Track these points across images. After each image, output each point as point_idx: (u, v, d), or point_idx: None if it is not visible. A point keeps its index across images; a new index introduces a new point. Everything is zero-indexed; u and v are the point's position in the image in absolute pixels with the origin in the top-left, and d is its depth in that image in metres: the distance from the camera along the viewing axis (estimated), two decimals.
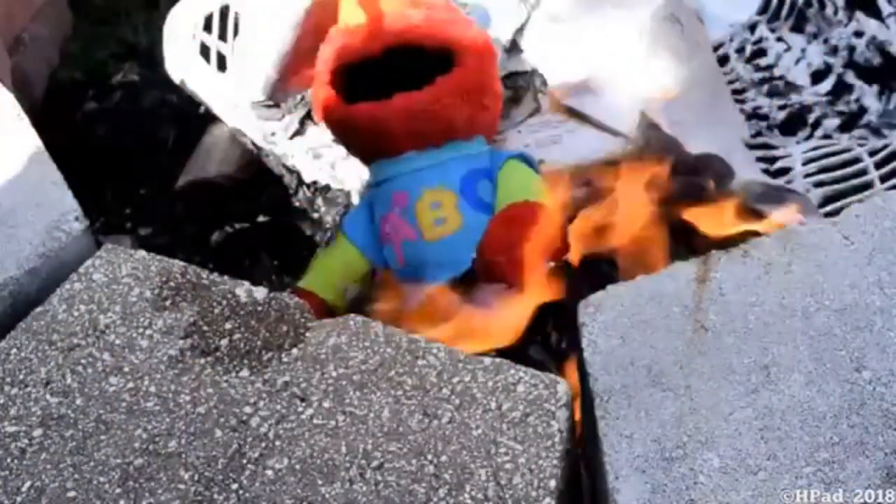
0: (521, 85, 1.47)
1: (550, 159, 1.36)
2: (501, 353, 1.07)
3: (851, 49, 1.57)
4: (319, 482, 0.94)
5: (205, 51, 1.56)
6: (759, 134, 1.46)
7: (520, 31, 1.53)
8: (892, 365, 0.97)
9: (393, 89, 1.27)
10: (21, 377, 1.03)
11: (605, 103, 1.32)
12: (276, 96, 1.48)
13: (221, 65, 1.55)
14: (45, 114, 1.41)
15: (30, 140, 1.24)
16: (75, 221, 1.17)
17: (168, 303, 1.10)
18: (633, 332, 1.04)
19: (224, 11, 1.58)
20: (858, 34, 1.59)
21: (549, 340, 1.24)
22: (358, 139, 1.32)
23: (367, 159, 1.37)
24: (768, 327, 1.02)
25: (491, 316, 1.21)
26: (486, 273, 1.23)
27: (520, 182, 1.29)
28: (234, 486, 0.94)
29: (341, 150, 1.44)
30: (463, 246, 1.26)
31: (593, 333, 1.05)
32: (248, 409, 1.00)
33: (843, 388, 0.97)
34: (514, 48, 1.53)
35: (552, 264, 1.21)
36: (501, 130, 1.45)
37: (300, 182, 1.52)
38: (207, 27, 1.58)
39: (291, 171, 1.52)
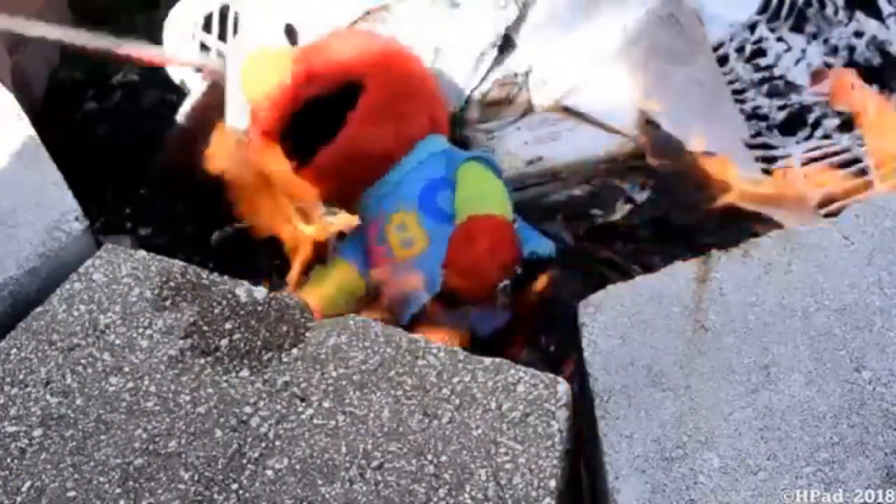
0: (515, 83, 1.47)
1: (549, 156, 1.36)
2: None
3: (851, 49, 1.57)
4: (319, 482, 0.94)
5: (204, 51, 1.56)
6: (758, 134, 1.46)
7: (513, 27, 1.53)
8: (892, 365, 0.97)
9: (322, 138, 1.29)
10: (21, 377, 1.03)
11: (602, 102, 1.32)
12: None
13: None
14: (45, 114, 1.41)
15: (30, 140, 1.24)
16: (75, 221, 1.17)
17: (168, 303, 1.10)
18: (633, 332, 1.04)
19: (224, 11, 1.58)
20: (858, 34, 1.59)
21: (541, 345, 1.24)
22: (324, 194, 1.35)
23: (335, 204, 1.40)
24: (768, 327, 1.02)
25: None
26: (454, 293, 1.23)
27: (476, 188, 1.28)
28: (234, 486, 0.94)
29: None
30: (434, 261, 1.26)
31: (593, 333, 1.05)
32: (248, 409, 1.00)
33: (843, 388, 0.97)
34: (507, 44, 1.53)
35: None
36: (493, 130, 1.45)
37: None
38: (207, 27, 1.58)
39: None
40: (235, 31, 1.56)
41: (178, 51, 1.54)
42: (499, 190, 1.27)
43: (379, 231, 1.30)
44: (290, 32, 1.40)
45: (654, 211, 1.36)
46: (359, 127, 1.28)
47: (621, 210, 1.37)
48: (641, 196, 1.37)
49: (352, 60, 1.31)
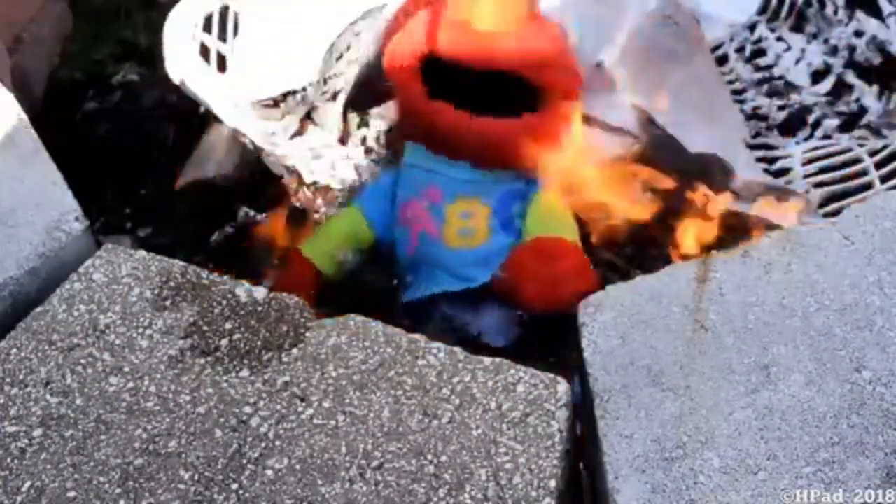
0: None
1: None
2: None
3: (852, 49, 1.58)
4: (319, 482, 0.94)
5: (205, 51, 1.55)
6: (758, 134, 1.46)
7: None
8: (892, 365, 0.97)
9: (471, 97, 1.26)
10: (21, 377, 1.03)
11: (604, 103, 1.32)
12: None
13: (221, 65, 1.54)
14: (45, 114, 1.41)
15: (30, 140, 1.24)
16: (75, 221, 1.17)
17: (168, 303, 1.10)
18: (633, 332, 1.04)
19: (224, 12, 1.58)
20: (859, 34, 1.60)
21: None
22: (423, 131, 1.31)
23: (412, 139, 1.36)
24: (768, 327, 1.02)
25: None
26: (506, 295, 1.24)
27: (552, 214, 1.28)
28: (234, 485, 0.94)
29: (341, 151, 1.44)
30: (481, 262, 1.27)
31: (593, 333, 1.05)
32: (248, 409, 1.00)
33: (843, 388, 0.97)
34: None
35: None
36: None
37: (300, 182, 1.52)
38: (207, 28, 1.57)
39: (291, 170, 1.52)
40: (235, 32, 1.56)
41: (178, 51, 1.54)
42: (571, 221, 1.29)
43: (434, 203, 1.29)
44: None
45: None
46: (525, 132, 1.26)
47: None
48: (644, 197, 1.37)
49: (551, 72, 1.26)
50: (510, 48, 1.22)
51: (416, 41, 1.28)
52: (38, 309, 1.09)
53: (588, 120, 1.32)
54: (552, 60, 1.24)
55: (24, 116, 1.26)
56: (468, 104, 1.25)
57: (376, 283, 1.36)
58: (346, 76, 1.44)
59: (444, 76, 1.25)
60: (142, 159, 1.56)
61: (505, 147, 1.25)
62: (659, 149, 1.36)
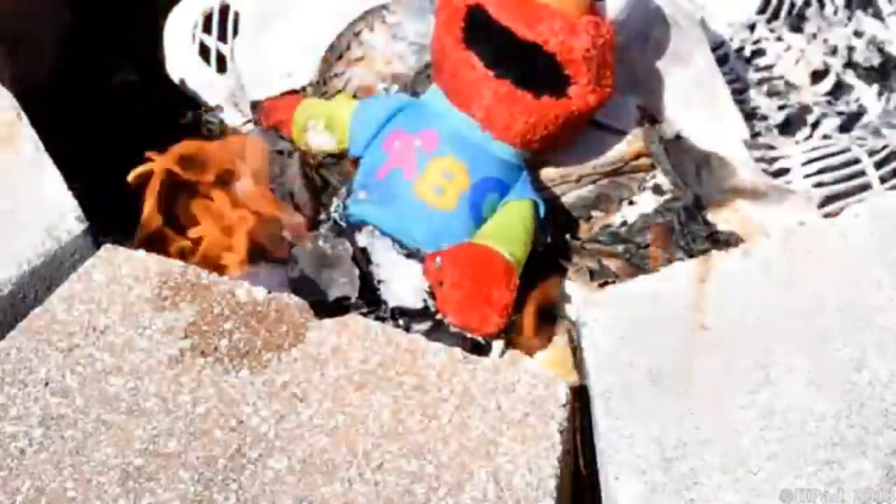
0: None
1: (557, 161, 1.36)
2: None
3: (851, 49, 1.57)
4: (319, 482, 0.95)
5: (204, 51, 1.56)
6: (758, 134, 1.46)
7: None
8: (892, 365, 0.98)
9: (503, 59, 1.25)
10: (21, 377, 1.03)
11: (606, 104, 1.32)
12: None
13: (221, 65, 1.55)
14: (45, 113, 1.40)
15: (29, 140, 1.24)
16: (75, 221, 1.17)
17: (167, 303, 1.10)
18: (634, 333, 1.04)
19: (224, 11, 1.59)
20: (858, 34, 1.59)
21: None
22: (447, 75, 1.30)
23: (437, 82, 1.35)
24: (768, 327, 1.02)
25: None
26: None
27: (508, 223, 1.29)
28: (234, 486, 0.95)
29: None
30: (433, 227, 1.26)
31: (594, 333, 1.05)
32: (247, 409, 1.00)
33: (843, 388, 0.97)
34: None
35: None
36: None
37: None
38: (207, 28, 1.58)
39: None
40: (235, 32, 1.56)
41: (178, 51, 1.54)
42: (526, 236, 1.28)
43: (429, 150, 1.29)
44: None
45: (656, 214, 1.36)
46: (548, 115, 1.25)
47: (624, 211, 1.37)
48: (643, 196, 1.37)
49: (592, 66, 1.25)
50: (556, 27, 1.22)
51: None
52: (38, 309, 1.09)
53: (590, 121, 1.32)
54: (591, 55, 1.24)
55: (24, 116, 1.26)
56: (498, 65, 1.25)
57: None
58: (345, 76, 1.44)
59: (485, 30, 1.25)
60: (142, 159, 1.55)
61: (513, 119, 1.25)
62: (661, 148, 1.36)
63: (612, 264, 1.31)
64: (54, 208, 1.18)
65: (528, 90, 1.24)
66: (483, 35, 1.25)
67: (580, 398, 1.05)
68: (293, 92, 1.47)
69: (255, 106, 1.47)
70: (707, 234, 1.30)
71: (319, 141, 1.36)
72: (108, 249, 1.15)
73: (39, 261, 1.14)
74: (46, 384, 1.03)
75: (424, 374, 1.03)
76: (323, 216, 1.34)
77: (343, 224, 1.30)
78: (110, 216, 1.26)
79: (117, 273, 1.12)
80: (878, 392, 0.96)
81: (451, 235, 1.26)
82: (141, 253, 1.15)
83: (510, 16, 1.23)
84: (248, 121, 1.48)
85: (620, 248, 1.32)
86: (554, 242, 1.33)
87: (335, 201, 1.34)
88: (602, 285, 1.24)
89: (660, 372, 1.00)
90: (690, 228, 1.31)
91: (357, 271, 1.26)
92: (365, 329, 1.07)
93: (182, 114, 1.52)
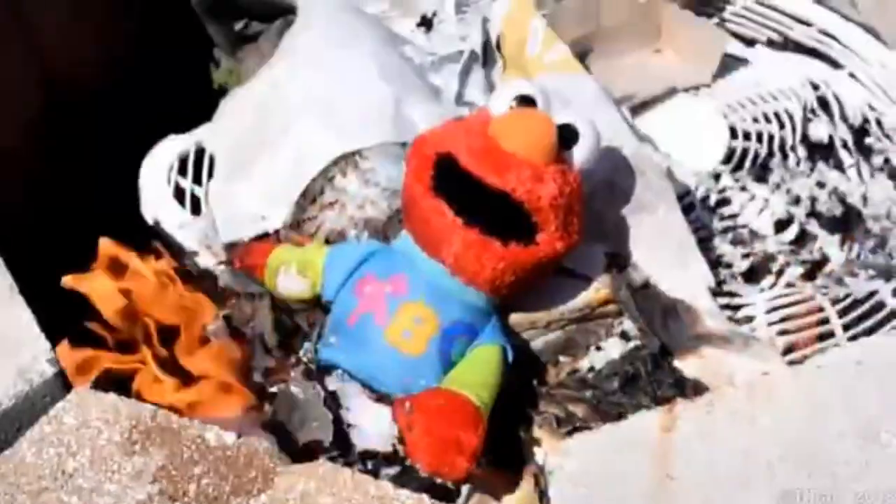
0: None
1: (526, 306, 1.38)
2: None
3: (814, 199, 1.61)
4: None
5: (179, 193, 1.58)
6: (723, 282, 1.48)
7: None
8: None
9: (471, 207, 1.27)
10: None
11: (574, 251, 1.34)
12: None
13: (195, 207, 1.57)
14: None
15: (3, 279, 1.25)
16: (47, 364, 1.18)
17: (137, 447, 1.10)
18: (600, 482, 1.05)
19: (199, 154, 1.61)
20: (820, 185, 1.63)
21: None
22: (417, 221, 1.32)
23: (407, 227, 1.37)
24: (734, 478, 1.03)
25: None
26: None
27: (477, 368, 1.30)
28: None
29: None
30: (402, 371, 1.28)
31: (560, 483, 1.06)
32: None
33: None
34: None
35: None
36: None
37: None
38: (182, 170, 1.60)
39: None
40: (210, 175, 1.59)
41: (153, 193, 1.57)
42: (494, 382, 1.29)
43: (396, 293, 1.30)
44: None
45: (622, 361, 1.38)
46: (515, 265, 1.27)
47: (591, 357, 1.38)
48: (610, 342, 1.39)
49: (557, 223, 1.28)
50: (524, 176, 1.25)
51: (441, 137, 1.32)
52: (7, 452, 1.09)
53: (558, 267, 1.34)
54: (559, 203, 1.26)
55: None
56: (466, 212, 1.27)
57: None
58: (318, 220, 1.46)
59: (454, 178, 1.28)
60: None
61: (482, 265, 1.27)
62: (628, 295, 1.38)
63: (580, 410, 1.32)
64: (26, 350, 1.19)
65: (497, 237, 1.26)
66: (452, 183, 1.27)
67: None
68: (266, 235, 1.49)
69: (228, 248, 1.49)
70: (673, 381, 1.32)
71: (292, 286, 1.37)
72: (78, 393, 1.16)
73: (10, 403, 1.14)
74: None
75: None
76: (293, 359, 1.35)
77: (313, 368, 1.31)
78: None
79: (87, 416, 1.13)
80: None
81: (420, 380, 1.28)
82: (111, 396, 1.16)
83: (479, 165, 1.26)
84: (221, 262, 1.49)
85: (588, 393, 1.33)
86: (521, 387, 1.35)
87: (306, 345, 1.35)
88: (569, 433, 1.25)
89: None
90: (656, 376, 1.33)
91: (330, 415, 1.27)
92: (334, 475, 1.08)
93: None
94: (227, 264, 1.48)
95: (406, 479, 1.21)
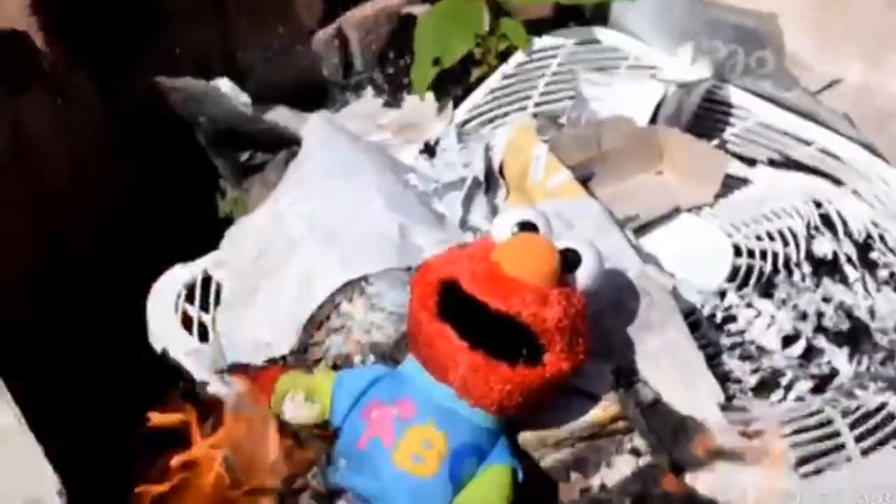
0: None
1: (534, 425, 1.37)
2: None
3: (820, 314, 1.61)
4: None
5: (187, 321, 1.59)
6: (733, 397, 1.48)
7: None
8: None
9: (476, 331, 1.27)
10: None
11: (582, 371, 1.34)
12: None
13: (203, 335, 1.58)
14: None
15: (10, 412, 1.25)
16: (56, 496, 1.17)
17: None
18: None
19: (206, 282, 1.63)
20: (826, 300, 1.64)
21: None
22: (422, 346, 1.32)
23: (412, 352, 1.37)
24: None
25: None
26: None
27: (486, 489, 1.30)
28: None
29: None
30: (413, 493, 1.27)
31: None
32: None
33: None
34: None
35: None
36: None
37: None
38: (190, 298, 1.62)
39: None
40: (217, 302, 1.60)
41: (161, 321, 1.58)
42: (504, 502, 1.29)
43: (403, 417, 1.30)
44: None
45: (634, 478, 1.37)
46: (522, 386, 1.27)
47: (602, 474, 1.38)
48: (621, 459, 1.38)
49: (560, 347, 1.28)
50: (528, 299, 1.26)
51: (445, 264, 1.33)
52: None
53: (564, 386, 1.34)
54: (564, 325, 1.27)
55: (5, 389, 1.27)
56: (472, 336, 1.27)
57: None
58: (325, 345, 1.47)
59: (458, 303, 1.28)
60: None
61: (489, 388, 1.27)
62: (637, 412, 1.38)
63: None
64: (35, 483, 1.18)
65: (503, 360, 1.27)
66: (457, 308, 1.28)
67: None
68: (273, 361, 1.49)
69: (233, 368, 1.49)
70: (685, 499, 1.31)
71: (300, 413, 1.37)
72: None
73: None
74: None
75: None
76: (300, 483, 1.35)
77: (323, 491, 1.31)
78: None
79: None
80: None
81: (431, 502, 1.27)
82: None
83: (483, 290, 1.27)
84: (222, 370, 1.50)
85: None
86: None
87: (315, 469, 1.35)
88: None
89: None
90: (668, 495, 1.32)
91: None
92: None
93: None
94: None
95: None
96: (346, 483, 1.31)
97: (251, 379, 1.46)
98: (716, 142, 1.93)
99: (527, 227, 1.35)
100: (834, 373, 1.54)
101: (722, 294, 1.64)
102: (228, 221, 1.82)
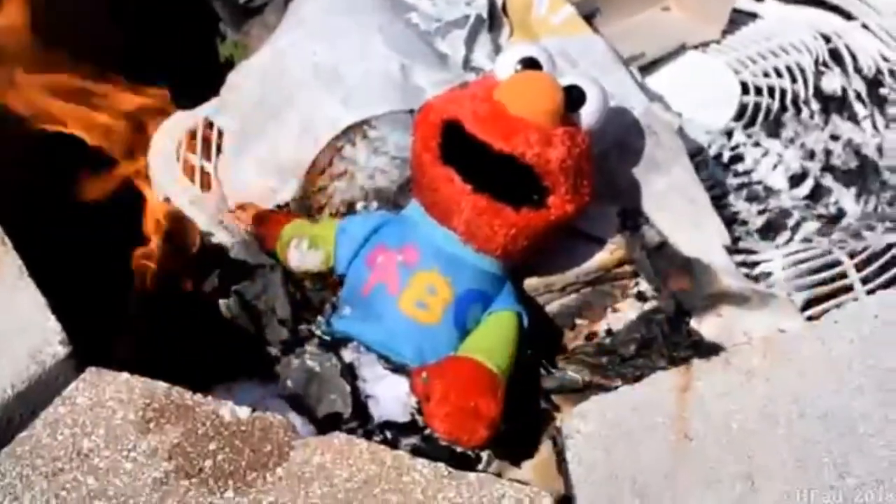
0: None
1: (540, 270, 1.37)
2: None
3: (828, 152, 1.59)
4: None
5: (189, 169, 1.57)
6: (739, 239, 1.47)
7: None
8: (876, 469, 0.98)
9: (480, 174, 1.25)
10: (5, 503, 1.03)
11: (587, 213, 1.33)
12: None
13: (205, 182, 1.56)
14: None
15: (13, 264, 1.25)
16: (59, 345, 1.17)
17: (152, 424, 1.10)
18: (617, 444, 1.04)
19: (207, 130, 1.61)
20: (835, 137, 1.62)
21: None
22: (426, 190, 1.31)
23: (416, 196, 1.36)
24: (751, 435, 1.02)
25: None
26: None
27: (492, 334, 1.29)
28: None
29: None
30: (418, 342, 1.27)
31: (577, 446, 1.05)
32: None
33: (829, 495, 0.97)
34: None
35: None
36: None
37: None
38: (191, 146, 1.60)
39: None
40: (219, 150, 1.58)
41: (163, 170, 1.56)
42: (510, 349, 1.28)
43: (408, 263, 1.30)
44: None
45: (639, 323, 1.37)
46: (528, 229, 1.26)
47: (608, 319, 1.38)
48: (627, 304, 1.38)
49: (568, 185, 1.26)
50: (532, 139, 1.23)
51: (447, 104, 1.30)
52: (23, 434, 1.09)
53: (570, 229, 1.33)
54: (568, 165, 1.25)
55: (8, 241, 1.27)
56: (476, 179, 1.26)
57: None
58: (328, 191, 1.45)
59: (461, 145, 1.26)
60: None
61: (494, 231, 1.26)
62: (643, 255, 1.37)
63: (597, 374, 1.31)
64: (38, 332, 1.18)
65: (507, 202, 1.25)
66: (460, 150, 1.26)
67: None
68: (277, 208, 1.48)
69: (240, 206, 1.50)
70: (689, 343, 1.31)
71: (305, 260, 1.36)
72: (91, 372, 1.15)
73: (24, 385, 1.14)
74: None
75: (410, 490, 1.03)
76: (307, 332, 1.35)
77: (328, 340, 1.31)
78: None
79: (101, 396, 1.13)
80: (863, 498, 0.96)
81: (437, 349, 1.27)
82: (125, 375, 1.15)
83: (486, 130, 1.25)
84: (231, 211, 1.50)
85: (604, 358, 1.32)
86: (539, 352, 1.34)
87: (320, 318, 1.35)
88: (586, 396, 1.25)
89: (644, 483, 1.00)
90: (673, 338, 1.32)
91: (348, 388, 1.27)
92: (349, 446, 1.07)
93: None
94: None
95: (426, 447, 1.20)
96: (351, 331, 1.31)
97: (258, 219, 1.46)
98: None
99: (530, 64, 1.32)
100: (841, 213, 1.53)
101: (729, 133, 1.63)
102: (229, 66, 1.79)
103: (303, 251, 1.36)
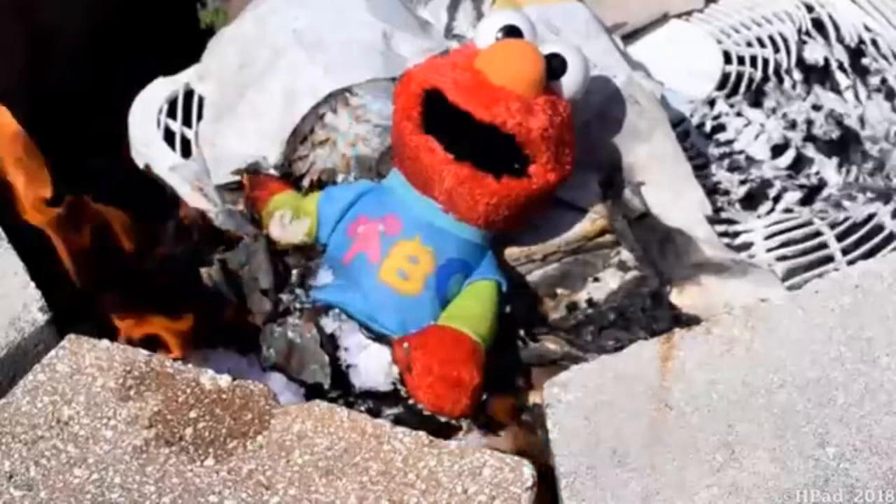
0: None
1: (521, 240, 1.37)
2: None
3: (810, 123, 1.60)
4: None
5: (169, 136, 1.57)
6: (720, 209, 1.47)
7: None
8: (856, 440, 0.98)
9: (461, 143, 1.26)
10: None
11: (569, 182, 1.33)
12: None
13: (186, 149, 1.56)
14: None
15: None
16: (38, 312, 1.17)
17: (132, 392, 1.09)
18: (598, 413, 1.04)
19: (188, 96, 1.60)
20: (817, 108, 1.62)
21: None
22: (407, 160, 1.31)
23: (397, 165, 1.35)
24: (732, 404, 1.03)
25: None
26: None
27: (473, 303, 1.30)
28: None
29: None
30: (399, 310, 1.28)
31: (558, 414, 1.05)
32: (213, 499, 1.00)
33: (808, 464, 0.97)
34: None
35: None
36: None
37: None
38: (172, 113, 1.59)
39: None
40: (200, 116, 1.57)
41: (143, 136, 1.55)
42: (490, 318, 1.29)
43: (394, 234, 1.30)
44: None
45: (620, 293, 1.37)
46: (509, 199, 1.27)
47: (589, 288, 1.38)
48: (608, 273, 1.38)
49: (549, 154, 1.26)
50: (513, 108, 1.23)
51: (428, 73, 1.29)
52: (2, 401, 1.09)
53: (551, 199, 1.33)
54: (549, 134, 1.24)
55: None
56: (457, 148, 1.25)
57: None
58: (309, 159, 1.45)
59: (442, 114, 1.26)
60: None
61: (475, 201, 1.26)
62: (625, 225, 1.37)
63: (576, 347, 1.31)
64: (17, 299, 1.18)
65: (489, 172, 1.25)
66: (441, 119, 1.26)
67: (546, 477, 1.05)
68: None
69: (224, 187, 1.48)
70: (670, 316, 1.32)
71: (286, 232, 1.36)
72: (71, 340, 1.15)
73: (2, 352, 1.13)
74: (10, 477, 1.02)
75: (390, 458, 1.02)
76: (287, 301, 1.34)
77: (309, 309, 1.31)
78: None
79: (81, 363, 1.12)
80: (843, 468, 0.96)
81: (418, 319, 1.27)
82: (105, 342, 1.15)
83: (467, 99, 1.24)
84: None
85: (584, 329, 1.33)
86: (518, 321, 1.34)
87: (298, 290, 1.34)
88: (566, 366, 1.25)
89: (625, 452, 1.00)
90: (654, 312, 1.32)
91: (327, 358, 1.26)
92: (330, 414, 1.07)
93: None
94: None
95: (407, 416, 1.21)
96: (331, 298, 1.30)
97: (252, 182, 1.45)
98: None
99: (511, 32, 1.32)
100: (822, 183, 1.53)
101: (711, 103, 1.63)
102: (210, 32, 1.78)
103: (284, 224, 1.36)
